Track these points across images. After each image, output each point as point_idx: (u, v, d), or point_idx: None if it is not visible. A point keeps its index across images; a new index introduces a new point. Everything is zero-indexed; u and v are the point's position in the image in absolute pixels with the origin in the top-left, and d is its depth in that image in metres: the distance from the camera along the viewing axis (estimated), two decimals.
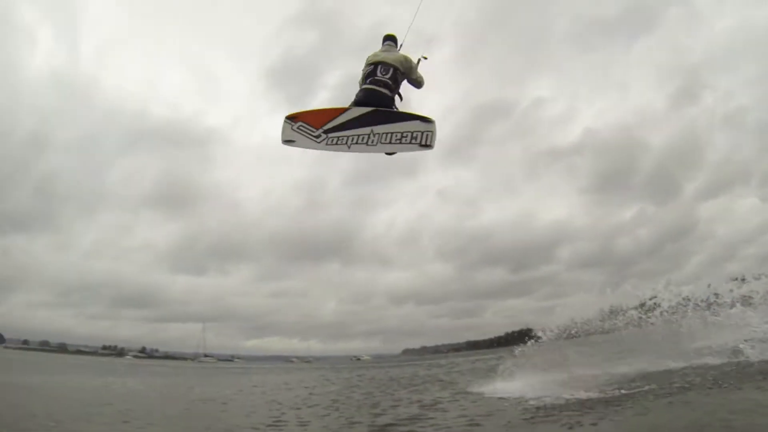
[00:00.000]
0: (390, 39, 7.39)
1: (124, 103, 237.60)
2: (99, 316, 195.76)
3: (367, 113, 6.35)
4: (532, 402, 11.46)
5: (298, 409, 14.69)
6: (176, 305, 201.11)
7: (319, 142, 6.41)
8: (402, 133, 6.17)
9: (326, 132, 6.37)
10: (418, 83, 7.33)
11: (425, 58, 7.31)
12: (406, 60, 7.13)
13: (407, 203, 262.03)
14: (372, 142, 6.25)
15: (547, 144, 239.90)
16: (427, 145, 6.16)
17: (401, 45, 7.31)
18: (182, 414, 14.40)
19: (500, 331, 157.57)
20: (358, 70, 7.17)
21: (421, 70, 7.27)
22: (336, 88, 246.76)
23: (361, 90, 6.81)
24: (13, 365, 39.65)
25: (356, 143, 6.30)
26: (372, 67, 6.93)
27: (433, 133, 6.20)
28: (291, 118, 6.53)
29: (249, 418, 13.06)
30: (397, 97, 6.90)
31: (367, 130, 6.25)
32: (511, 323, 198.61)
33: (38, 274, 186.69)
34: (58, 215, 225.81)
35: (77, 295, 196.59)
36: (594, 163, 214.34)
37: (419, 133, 6.14)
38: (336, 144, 6.35)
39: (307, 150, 6.57)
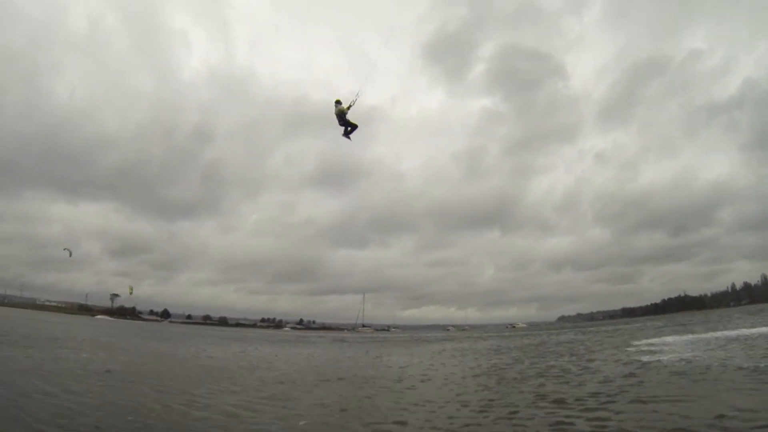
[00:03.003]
0: (337, 102, 15.17)
1: (282, 91, 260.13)
2: (260, 291, 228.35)
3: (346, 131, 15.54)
4: None
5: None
6: (336, 278, 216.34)
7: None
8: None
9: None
10: (344, 117, 15.24)
11: (354, 101, 14.98)
12: (340, 111, 15.05)
13: (566, 169, 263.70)
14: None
15: (705, 99, 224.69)
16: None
17: (356, 98, 14.99)
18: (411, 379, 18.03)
19: (657, 298, 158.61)
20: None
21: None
22: (491, 59, 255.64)
23: (343, 124, 15.42)
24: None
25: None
26: (336, 116, 15.15)
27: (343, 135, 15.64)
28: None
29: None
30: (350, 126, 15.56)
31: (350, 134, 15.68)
32: (668, 290, 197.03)
33: (203, 255, 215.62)
34: (224, 200, 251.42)
35: (239, 272, 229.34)
36: (756, 117, 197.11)
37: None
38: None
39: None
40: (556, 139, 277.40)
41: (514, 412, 10.53)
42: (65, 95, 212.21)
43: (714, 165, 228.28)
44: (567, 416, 9.78)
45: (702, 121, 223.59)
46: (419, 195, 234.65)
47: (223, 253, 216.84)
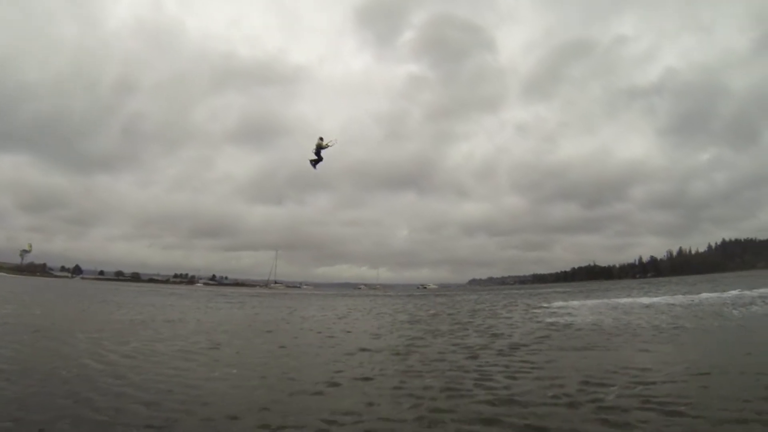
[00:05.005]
0: (320, 138, 18.22)
1: (210, 46, 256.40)
2: (174, 246, 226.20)
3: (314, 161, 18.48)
4: None
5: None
6: (251, 234, 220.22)
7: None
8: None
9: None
10: (320, 150, 18.18)
11: (331, 144, 18.31)
12: (318, 146, 17.96)
13: (486, 137, 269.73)
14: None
15: (627, 83, 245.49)
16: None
17: (330, 142, 18.10)
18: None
19: (567, 266, 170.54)
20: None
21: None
22: (422, 27, 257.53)
23: (316, 154, 18.28)
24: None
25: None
26: (315, 147, 18.13)
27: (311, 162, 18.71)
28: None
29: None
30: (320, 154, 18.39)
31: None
32: (578, 259, 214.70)
33: (119, 210, 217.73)
34: (143, 154, 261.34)
35: (154, 228, 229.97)
36: (674, 104, 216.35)
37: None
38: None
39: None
40: (478, 109, 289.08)
41: (436, 360, 11.40)
42: None
43: (630, 145, 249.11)
44: (491, 362, 10.79)
45: (622, 104, 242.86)
46: (338, 155, 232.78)
47: (139, 208, 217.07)
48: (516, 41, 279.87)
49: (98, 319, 20.99)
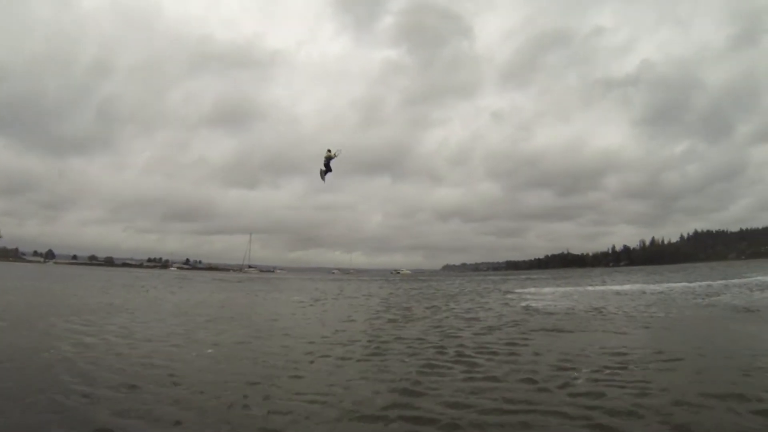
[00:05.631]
0: (328, 150, 15.78)
1: (187, 28, 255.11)
2: (148, 230, 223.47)
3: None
4: None
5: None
6: (225, 218, 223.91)
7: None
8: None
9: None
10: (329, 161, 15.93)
11: (337, 154, 15.92)
12: (328, 158, 15.36)
13: (462, 124, 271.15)
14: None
15: (604, 73, 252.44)
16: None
17: (337, 152, 15.54)
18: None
19: (541, 254, 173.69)
20: None
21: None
22: (401, 13, 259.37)
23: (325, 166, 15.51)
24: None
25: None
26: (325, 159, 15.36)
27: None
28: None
29: None
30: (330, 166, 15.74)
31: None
32: (552, 247, 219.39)
33: (92, 194, 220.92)
34: (118, 137, 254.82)
35: (128, 211, 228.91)
36: (649, 96, 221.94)
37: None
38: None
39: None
40: (454, 95, 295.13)
41: (413, 340, 11.66)
42: None
43: (605, 135, 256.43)
44: (468, 343, 11.07)
45: (598, 94, 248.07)
46: (313, 139, 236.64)
47: (113, 192, 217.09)
48: (494, 29, 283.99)
49: (74, 302, 20.95)
